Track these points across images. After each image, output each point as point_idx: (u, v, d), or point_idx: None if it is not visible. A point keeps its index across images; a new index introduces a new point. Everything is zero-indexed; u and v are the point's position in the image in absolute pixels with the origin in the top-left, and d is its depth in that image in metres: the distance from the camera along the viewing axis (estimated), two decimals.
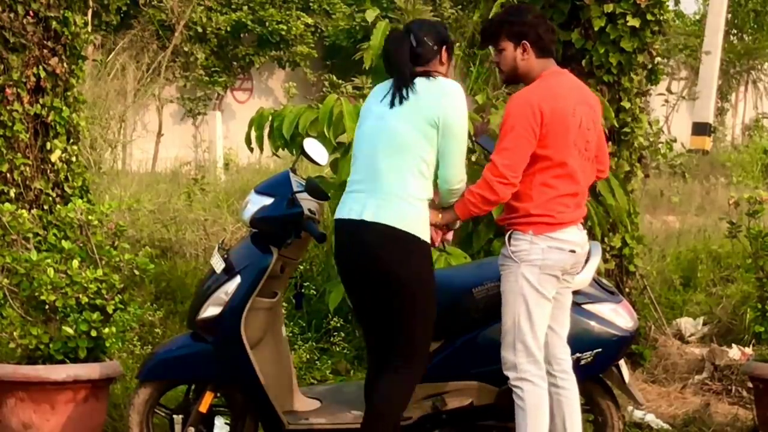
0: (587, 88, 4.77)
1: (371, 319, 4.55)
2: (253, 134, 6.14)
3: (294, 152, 5.90)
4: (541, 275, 4.43)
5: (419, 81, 4.46)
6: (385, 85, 4.57)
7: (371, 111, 4.56)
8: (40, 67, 6.50)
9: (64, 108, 6.62)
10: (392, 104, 4.44)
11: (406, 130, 4.40)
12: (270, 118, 6.11)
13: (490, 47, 4.73)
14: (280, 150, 6.23)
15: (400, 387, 4.47)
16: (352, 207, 4.43)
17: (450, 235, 4.77)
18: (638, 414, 6.16)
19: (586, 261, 4.68)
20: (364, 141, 4.52)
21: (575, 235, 4.53)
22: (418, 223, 4.39)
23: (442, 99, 4.42)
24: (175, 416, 4.85)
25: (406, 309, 4.41)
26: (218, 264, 4.86)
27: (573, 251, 4.50)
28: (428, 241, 4.45)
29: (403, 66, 4.48)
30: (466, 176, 4.52)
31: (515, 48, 4.52)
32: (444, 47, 4.56)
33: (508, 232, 4.49)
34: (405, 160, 4.39)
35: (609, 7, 6.79)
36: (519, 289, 4.44)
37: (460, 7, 17.96)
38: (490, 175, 4.39)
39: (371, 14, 6.63)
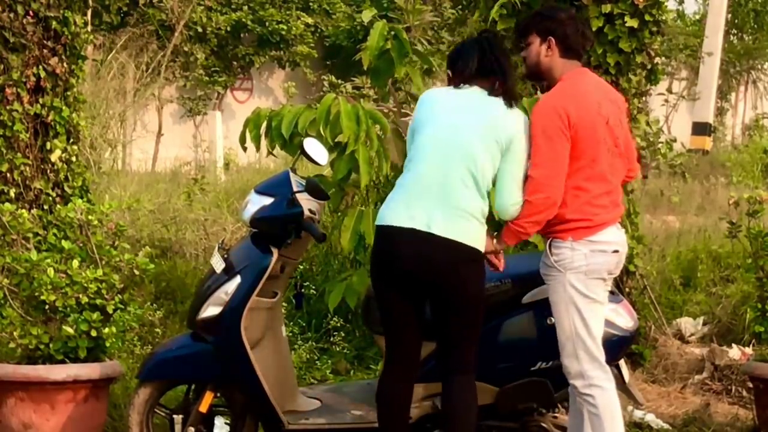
0: (610, 87, 4.74)
1: (416, 327, 4.49)
2: (248, 134, 6.12)
3: (292, 152, 5.88)
4: (588, 280, 4.38)
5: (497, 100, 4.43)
6: (465, 93, 4.46)
7: (438, 116, 4.43)
8: (40, 67, 6.50)
9: (64, 108, 6.61)
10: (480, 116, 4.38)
11: (480, 150, 4.34)
12: (267, 118, 6.10)
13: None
14: (280, 150, 6.21)
15: (474, 388, 4.48)
16: (413, 215, 4.33)
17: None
18: (638, 414, 6.16)
19: None
20: (433, 147, 4.39)
21: (615, 235, 4.47)
22: (482, 239, 4.39)
23: (515, 121, 4.40)
24: (175, 416, 4.84)
25: (472, 318, 4.43)
26: (218, 264, 4.86)
27: (616, 251, 4.45)
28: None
29: (514, 80, 4.50)
30: (521, 200, 4.38)
31: (541, 43, 4.50)
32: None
33: (548, 241, 4.45)
34: (476, 177, 4.34)
35: (607, 8, 6.78)
36: (569, 298, 4.38)
37: (460, 7, 17.99)
38: (531, 195, 4.34)
39: (368, 14, 6.60)
